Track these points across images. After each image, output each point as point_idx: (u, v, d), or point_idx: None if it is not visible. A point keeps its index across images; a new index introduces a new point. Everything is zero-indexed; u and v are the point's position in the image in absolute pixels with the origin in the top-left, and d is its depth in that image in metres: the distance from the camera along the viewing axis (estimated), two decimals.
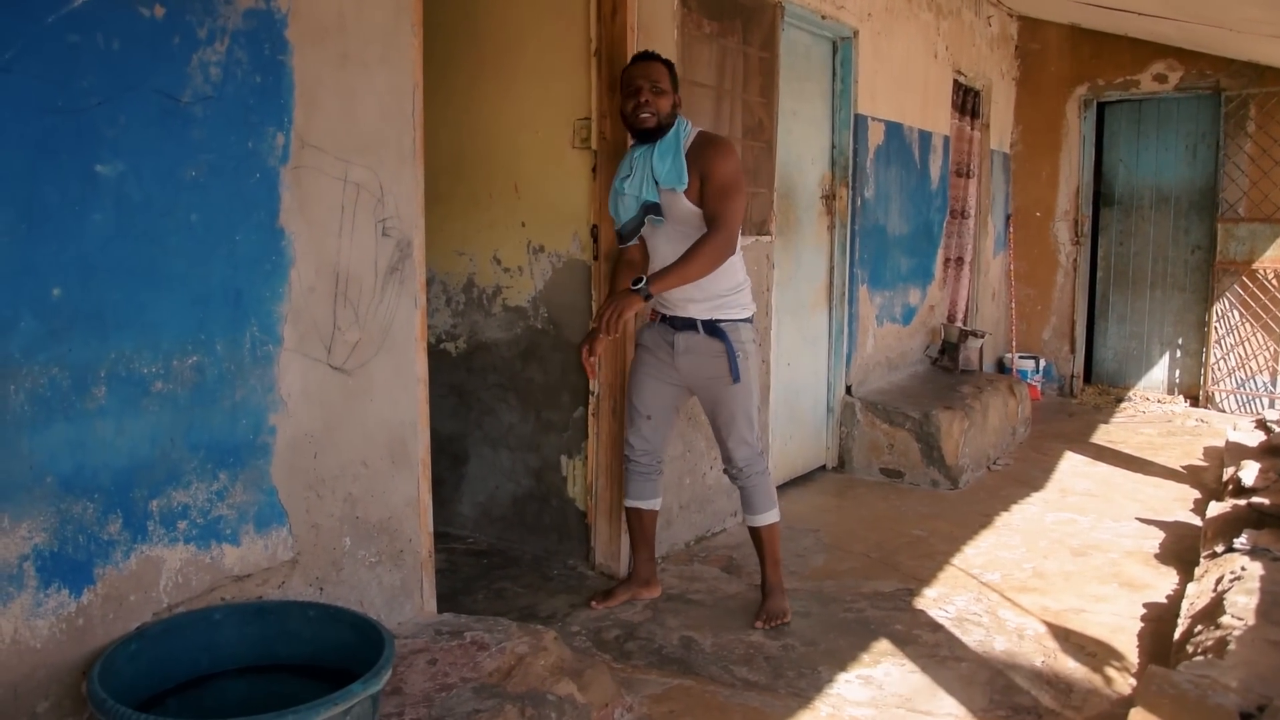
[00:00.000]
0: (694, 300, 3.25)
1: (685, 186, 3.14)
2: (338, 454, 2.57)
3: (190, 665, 2.16)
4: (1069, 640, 3.34)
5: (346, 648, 2.13)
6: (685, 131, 3.22)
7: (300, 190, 2.42)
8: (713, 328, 3.26)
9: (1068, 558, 4.16)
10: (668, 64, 3.24)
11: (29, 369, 1.93)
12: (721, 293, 3.26)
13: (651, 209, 3.21)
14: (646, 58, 3.25)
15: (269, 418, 2.39)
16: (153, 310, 2.14)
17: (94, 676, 1.86)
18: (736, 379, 3.26)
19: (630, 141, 3.34)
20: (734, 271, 3.28)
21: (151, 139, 2.12)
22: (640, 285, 3.05)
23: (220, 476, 2.30)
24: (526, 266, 3.88)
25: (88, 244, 2.02)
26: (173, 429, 2.20)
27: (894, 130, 5.72)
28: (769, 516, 3.45)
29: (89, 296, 2.03)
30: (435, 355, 3.98)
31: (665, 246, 3.25)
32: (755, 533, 3.48)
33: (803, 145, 4.99)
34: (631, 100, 3.18)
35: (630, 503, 3.52)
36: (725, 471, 3.49)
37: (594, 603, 3.51)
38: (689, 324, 3.29)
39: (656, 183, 3.18)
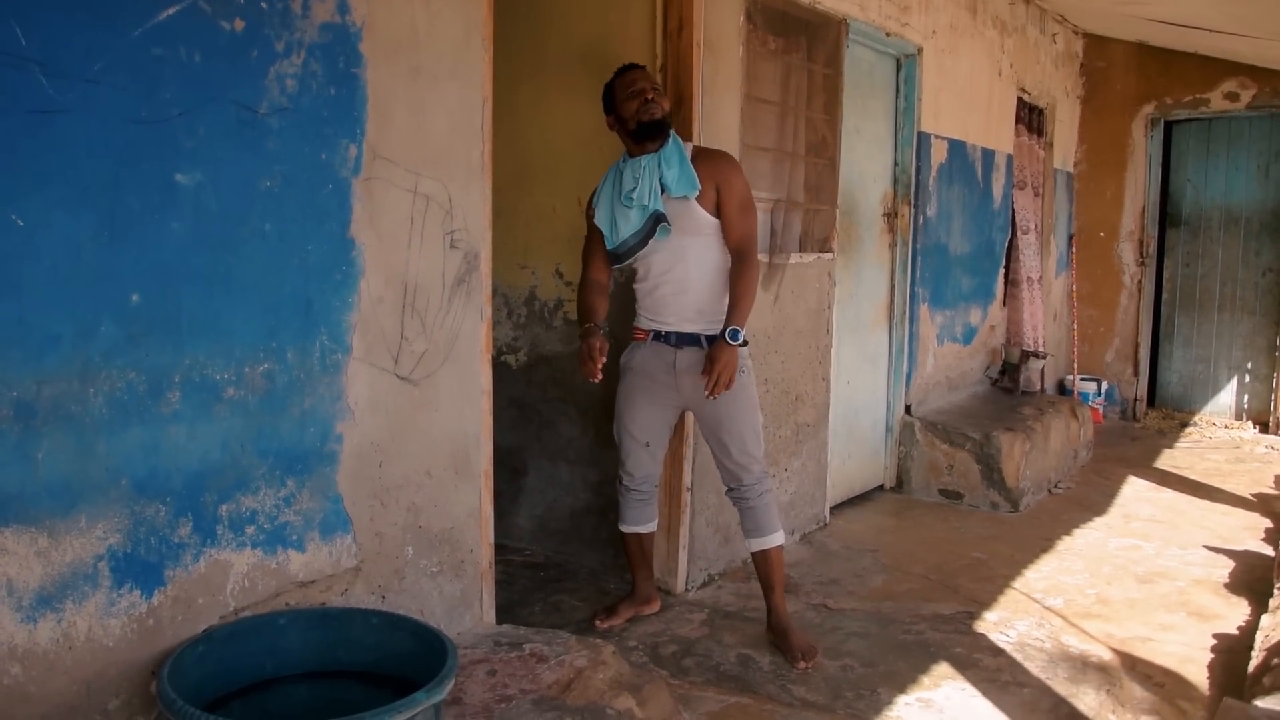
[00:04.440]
0: (700, 315, 3.20)
1: (698, 192, 3.12)
2: (402, 463, 2.59)
3: (255, 669, 2.18)
4: (1135, 669, 3.27)
5: (409, 656, 2.15)
6: (679, 142, 3.20)
7: (371, 202, 2.45)
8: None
9: (1132, 585, 4.07)
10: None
11: (107, 373, 1.98)
12: (722, 310, 3.18)
13: (660, 218, 3.13)
14: (636, 67, 3.26)
15: (336, 426, 2.41)
16: (226, 317, 2.18)
17: (164, 676, 1.89)
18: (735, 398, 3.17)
19: (622, 155, 3.27)
20: (726, 289, 3.21)
21: (229, 149, 2.16)
22: (738, 337, 3.03)
23: (288, 483, 2.33)
24: None
25: (166, 251, 2.06)
26: (243, 435, 2.23)
27: (957, 148, 5.67)
28: (778, 537, 3.29)
29: (166, 303, 2.07)
30: (496, 368, 3.98)
31: (673, 260, 3.17)
32: (763, 557, 3.29)
33: (865, 163, 4.97)
34: (636, 100, 3.12)
35: (628, 528, 3.45)
36: (729, 492, 3.34)
37: (598, 620, 3.44)
38: (691, 339, 3.20)
39: (664, 190, 3.12)
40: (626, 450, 3.38)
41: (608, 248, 3.26)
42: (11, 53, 1.79)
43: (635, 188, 3.13)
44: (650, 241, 3.17)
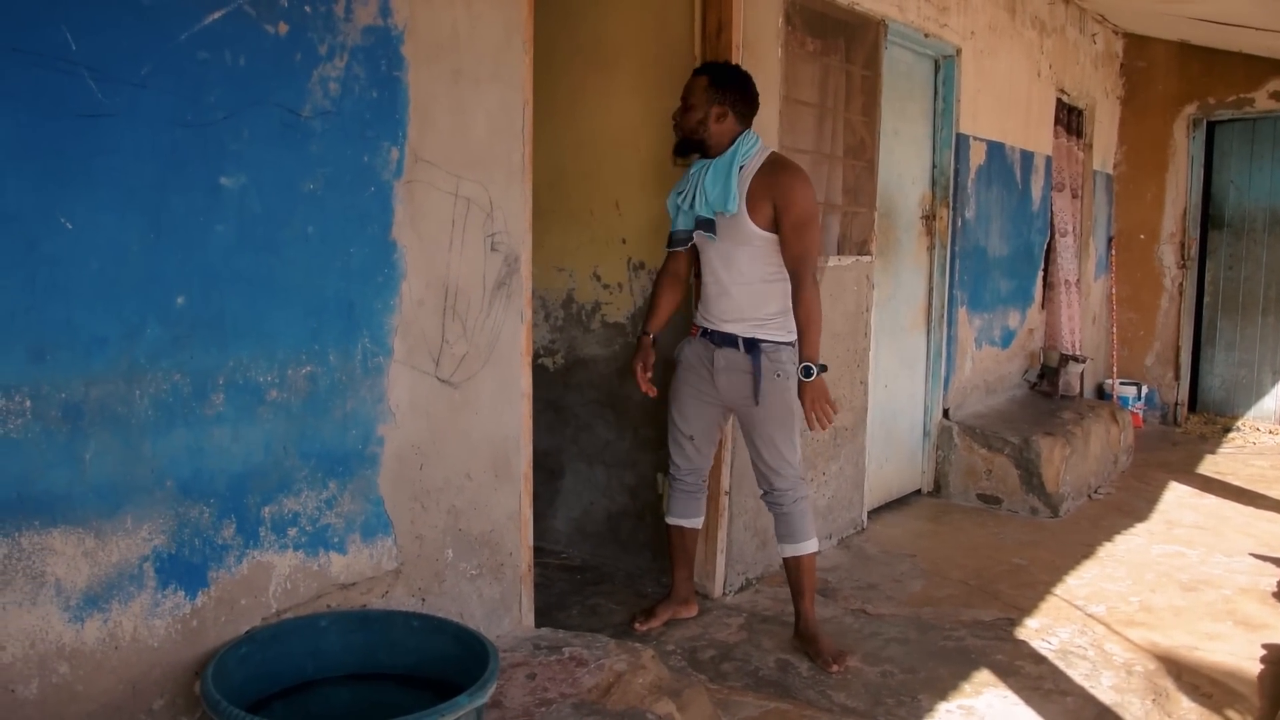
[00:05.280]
0: (740, 319, 3.20)
1: (733, 211, 3.10)
2: (443, 466, 2.59)
3: (296, 671, 2.18)
4: (1182, 679, 3.21)
5: (449, 659, 2.14)
6: (750, 151, 3.14)
7: (413, 204, 2.45)
8: (751, 345, 3.17)
9: (1177, 592, 4.01)
10: (712, 75, 3.17)
11: (153, 375, 1.99)
12: (769, 314, 3.18)
13: (704, 225, 3.17)
14: (697, 73, 3.23)
15: (378, 428, 2.42)
16: (270, 320, 2.18)
17: (207, 677, 1.90)
18: (757, 401, 3.16)
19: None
20: (778, 296, 3.17)
21: (272, 152, 2.16)
22: (814, 370, 3.05)
23: (330, 485, 2.33)
24: (626, 283, 3.89)
25: (211, 254, 2.07)
26: (286, 437, 2.23)
27: (995, 150, 5.61)
28: (810, 545, 3.28)
29: (210, 305, 2.07)
30: (533, 370, 3.99)
31: (720, 264, 3.21)
32: (795, 563, 3.29)
33: (904, 165, 4.93)
34: (673, 115, 3.25)
35: (672, 520, 3.47)
36: (762, 496, 3.34)
37: (636, 624, 3.44)
38: (729, 340, 3.21)
39: (708, 201, 3.15)
40: (673, 440, 3.42)
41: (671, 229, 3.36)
42: (61, 57, 1.80)
43: (684, 190, 3.23)
44: (697, 239, 3.23)
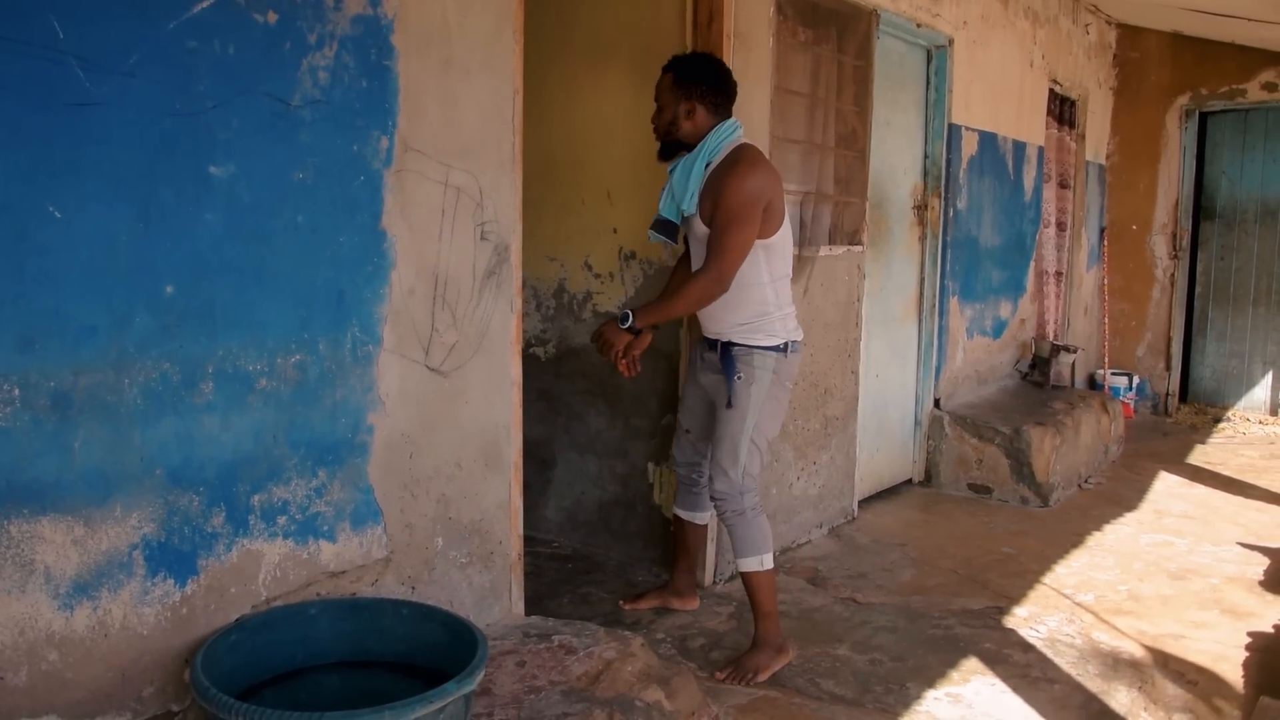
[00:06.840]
0: (710, 322, 3.16)
1: (692, 211, 3.03)
2: (433, 455, 2.60)
3: (286, 658, 2.20)
4: (1168, 666, 3.24)
5: (439, 647, 2.16)
6: (719, 146, 3.00)
7: (402, 193, 2.45)
8: (726, 350, 3.12)
9: (1164, 581, 4.03)
10: (677, 71, 3.03)
11: (142, 364, 1.99)
12: (739, 322, 3.07)
13: (659, 227, 3.15)
14: (662, 70, 3.09)
15: (367, 417, 2.42)
16: (259, 309, 2.19)
17: (197, 665, 1.91)
18: (729, 404, 3.06)
19: None
20: (753, 302, 3.05)
21: (262, 142, 2.16)
22: (628, 321, 2.99)
23: (319, 474, 2.34)
24: (618, 273, 3.89)
25: (200, 243, 2.07)
26: (275, 426, 2.24)
27: (988, 140, 5.62)
28: (749, 563, 3.06)
29: (200, 294, 2.08)
30: (524, 360, 3.97)
31: (694, 264, 3.16)
32: (743, 578, 3.12)
33: (895, 155, 4.94)
34: (652, 120, 3.15)
35: (675, 510, 3.51)
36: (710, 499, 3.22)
37: (622, 603, 3.52)
38: (710, 343, 3.20)
39: (673, 199, 3.10)
40: (675, 431, 3.46)
41: None
42: (49, 46, 1.80)
43: (663, 189, 3.18)
44: (669, 239, 3.21)
